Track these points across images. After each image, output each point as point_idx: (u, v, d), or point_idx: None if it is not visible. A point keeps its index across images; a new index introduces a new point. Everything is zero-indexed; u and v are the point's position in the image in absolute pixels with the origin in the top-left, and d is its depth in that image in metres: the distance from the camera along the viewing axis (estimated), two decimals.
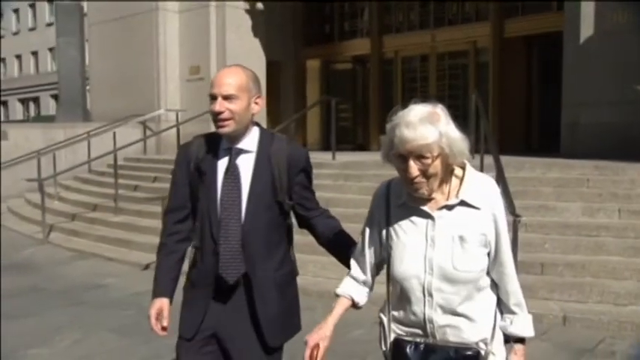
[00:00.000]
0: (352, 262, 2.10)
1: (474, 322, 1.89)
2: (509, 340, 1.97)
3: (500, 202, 1.90)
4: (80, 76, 13.84)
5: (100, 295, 5.96)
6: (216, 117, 2.16)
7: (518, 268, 4.89)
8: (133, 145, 11.22)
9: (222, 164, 2.25)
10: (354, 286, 2.07)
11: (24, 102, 45.41)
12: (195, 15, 13.00)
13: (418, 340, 1.91)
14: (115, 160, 9.55)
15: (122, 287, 6.23)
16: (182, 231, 2.33)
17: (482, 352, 1.88)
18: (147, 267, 6.90)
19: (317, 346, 1.94)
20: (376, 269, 2.06)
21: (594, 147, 8.01)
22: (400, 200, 1.93)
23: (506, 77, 12.18)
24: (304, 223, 2.42)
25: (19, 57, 46.12)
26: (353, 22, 15.13)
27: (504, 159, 6.25)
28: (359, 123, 15.01)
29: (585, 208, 6.32)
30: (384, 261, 2.01)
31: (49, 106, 41.95)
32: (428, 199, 1.88)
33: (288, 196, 2.30)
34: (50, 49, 42.16)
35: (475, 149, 7.94)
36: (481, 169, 6.69)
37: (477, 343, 1.89)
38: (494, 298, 1.95)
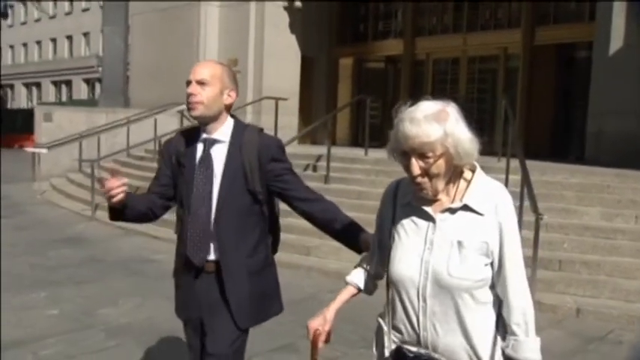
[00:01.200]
0: (370, 251, 2.10)
1: (470, 338, 1.78)
2: None
3: (509, 211, 1.78)
4: (123, 64, 14.49)
5: (152, 268, 6.51)
6: (188, 99, 2.28)
7: (538, 263, 5.42)
8: (168, 131, 11.85)
9: (198, 155, 2.35)
10: (363, 275, 2.07)
11: (57, 84, 46.36)
12: (236, 10, 13.55)
13: (416, 350, 1.83)
14: (160, 144, 10.08)
15: (170, 262, 6.75)
16: (160, 192, 2.43)
17: None
18: None
19: (318, 331, 1.97)
20: (384, 265, 2.01)
21: (617, 155, 8.33)
22: (405, 199, 1.88)
23: (535, 84, 12.49)
24: (298, 210, 2.44)
25: (54, 40, 47.02)
26: (387, 23, 15.48)
27: (529, 163, 6.54)
28: (388, 122, 15.31)
29: (604, 212, 6.71)
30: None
31: (80, 90, 42.85)
32: (433, 200, 1.81)
33: (260, 184, 2.35)
34: (85, 34, 43.02)
35: (502, 152, 8.37)
36: (507, 172, 7.10)
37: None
38: (494, 315, 1.82)
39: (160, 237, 8.00)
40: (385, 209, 1.96)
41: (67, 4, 44.94)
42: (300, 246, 6.82)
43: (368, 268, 2.06)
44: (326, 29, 15.48)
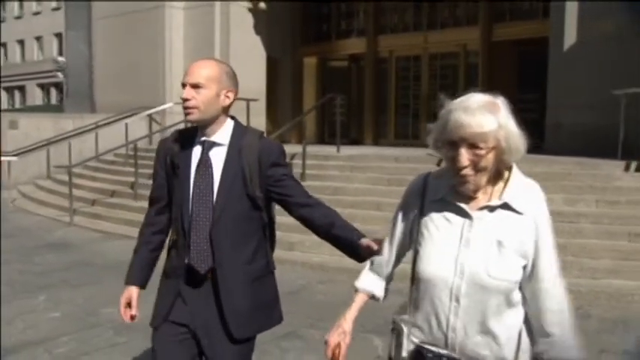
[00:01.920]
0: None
1: (499, 339, 1.74)
2: None
3: (545, 211, 1.76)
4: (88, 69, 14.45)
5: None
6: (183, 104, 2.20)
7: None
8: (137, 136, 11.96)
9: (196, 157, 2.27)
10: (373, 280, 2.00)
11: (9, 90, 45.21)
12: (201, 12, 13.68)
13: (439, 350, 1.76)
14: (135, 148, 10.18)
15: (159, 263, 6.95)
16: (159, 223, 2.38)
17: None
18: None
19: (338, 344, 1.92)
20: (398, 262, 2.01)
21: (575, 146, 8.85)
22: (438, 195, 1.82)
23: (494, 79, 13.03)
24: (296, 215, 2.35)
25: (4, 45, 45.79)
26: (349, 22, 15.90)
27: None
28: (353, 118, 15.77)
29: (567, 198, 7.20)
30: (402, 255, 1.98)
31: (34, 96, 41.84)
32: (469, 198, 1.76)
33: (260, 189, 2.28)
34: (37, 38, 42.00)
35: None
36: None
37: None
38: (522, 318, 1.78)
39: None
40: (409, 206, 1.90)
41: (16, 6, 43.83)
42: (284, 242, 7.07)
43: (379, 272, 2.00)
44: (289, 29, 15.79)
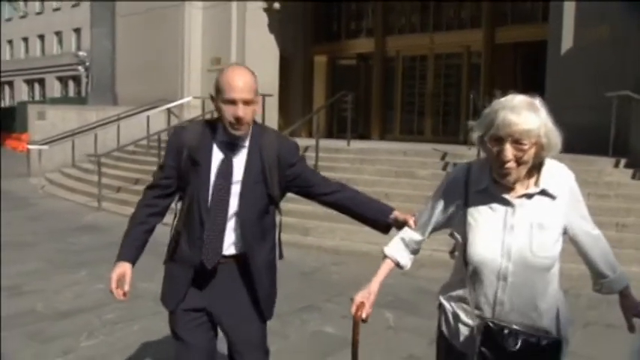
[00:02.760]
0: (407, 231, 2.22)
1: (539, 308, 1.96)
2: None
3: (576, 187, 2.00)
4: (111, 64, 15.12)
5: None
6: (234, 120, 2.24)
7: None
8: (156, 127, 12.68)
9: (217, 156, 2.33)
10: (401, 249, 2.18)
11: (29, 83, 45.82)
12: (218, 11, 14.31)
13: (501, 323, 1.92)
14: (159, 139, 10.81)
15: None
16: (158, 206, 2.45)
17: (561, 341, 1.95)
18: None
19: (362, 303, 2.06)
20: (424, 239, 2.21)
21: (572, 144, 9.41)
22: (481, 186, 1.98)
23: (496, 79, 13.68)
24: (323, 202, 2.53)
25: (25, 39, 46.53)
26: (358, 23, 16.56)
27: None
28: (361, 115, 16.37)
29: None
30: (431, 233, 2.19)
31: (53, 88, 42.57)
32: (509, 187, 1.94)
33: (279, 187, 2.41)
34: (56, 33, 42.85)
35: (472, 141, 9.43)
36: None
37: (545, 330, 1.96)
38: (558, 287, 2.03)
39: (168, 224, 8.78)
40: (452, 194, 2.07)
41: (37, 4, 44.51)
42: (300, 227, 7.71)
43: (408, 243, 2.19)
44: (301, 29, 16.42)
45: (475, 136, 1.93)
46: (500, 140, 1.83)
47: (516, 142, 1.81)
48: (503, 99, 1.87)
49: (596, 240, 2.06)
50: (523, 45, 13.46)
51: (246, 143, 2.35)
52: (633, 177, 7.93)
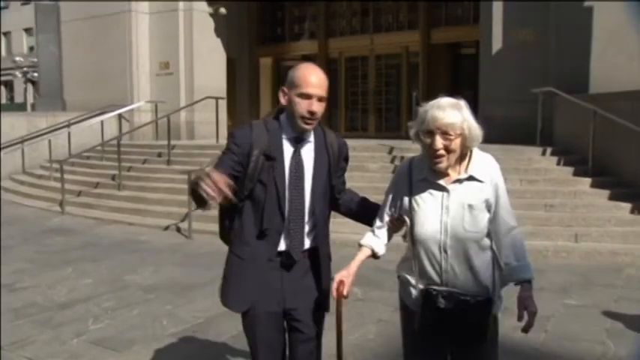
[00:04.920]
0: (376, 223, 2.46)
1: (478, 274, 2.27)
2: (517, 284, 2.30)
3: (500, 175, 2.31)
4: (58, 70, 15.17)
5: (147, 246, 7.80)
6: (307, 114, 2.32)
7: None
8: (107, 132, 13.25)
9: (288, 151, 2.41)
10: (374, 239, 2.44)
11: None
12: (165, 17, 14.64)
13: (440, 288, 2.25)
14: (119, 144, 11.13)
15: (159, 241, 8.10)
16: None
17: (490, 299, 2.26)
18: (167, 228, 8.79)
19: (342, 282, 2.31)
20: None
21: (503, 135, 10.33)
22: (421, 175, 2.31)
23: (433, 77, 14.67)
24: (335, 204, 2.65)
25: None
26: (301, 26, 17.20)
27: None
28: None
29: None
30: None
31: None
32: (444, 175, 2.27)
33: (336, 178, 2.56)
34: (26, 30, 40.08)
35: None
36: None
37: (483, 290, 2.27)
38: (492, 255, 2.31)
39: (134, 223, 9.23)
40: (400, 184, 2.39)
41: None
42: None
43: (379, 234, 2.45)
44: (246, 32, 16.93)
45: (412, 132, 2.27)
46: (431, 133, 2.18)
47: (444, 133, 2.16)
48: (433, 101, 2.22)
49: (510, 230, 2.29)
50: (457, 45, 14.53)
51: (312, 138, 2.47)
52: (558, 163, 8.93)
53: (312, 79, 2.32)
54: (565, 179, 8.55)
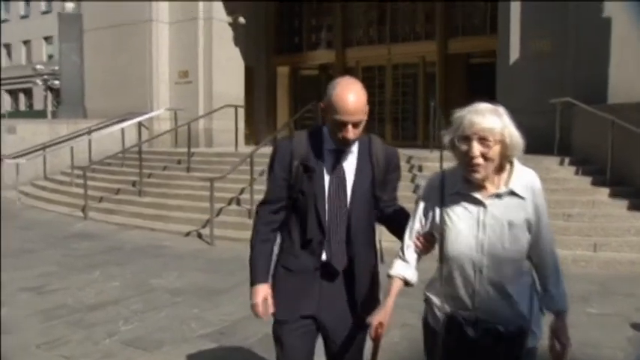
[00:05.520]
0: (404, 244, 2.27)
1: (514, 300, 2.08)
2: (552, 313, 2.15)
3: (542, 193, 2.12)
4: (80, 78, 15.46)
5: (169, 251, 7.94)
6: (342, 137, 2.29)
7: None
8: (127, 139, 13.35)
9: (328, 163, 2.38)
10: (404, 266, 2.24)
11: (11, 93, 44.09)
12: (185, 26, 14.87)
13: (467, 313, 2.07)
14: (140, 150, 11.29)
15: (181, 247, 8.24)
16: (276, 221, 2.45)
17: (525, 329, 2.05)
18: (188, 234, 8.93)
19: (380, 324, 2.13)
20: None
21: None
22: (455, 189, 2.14)
23: (450, 86, 14.78)
24: (379, 217, 2.55)
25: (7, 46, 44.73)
26: (319, 35, 17.41)
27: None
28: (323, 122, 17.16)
29: None
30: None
31: (3, 102, 41.23)
32: (480, 187, 2.09)
33: (382, 189, 2.46)
34: (46, 38, 40.68)
35: (433, 145, 10.36)
36: (440, 160, 9.05)
37: (519, 318, 2.07)
38: (531, 281, 2.15)
39: (156, 229, 9.37)
40: (431, 198, 2.22)
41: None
42: None
43: (408, 259, 2.25)
44: (264, 41, 17.13)
45: (446, 139, 2.10)
46: (467, 139, 2.01)
47: (482, 139, 2.00)
48: (469, 106, 2.07)
49: (552, 254, 2.17)
50: (474, 55, 14.63)
51: (355, 149, 2.40)
52: (576, 173, 8.98)
53: (348, 105, 2.24)
54: (583, 189, 8.59)
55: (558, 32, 10.58)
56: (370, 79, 16.32)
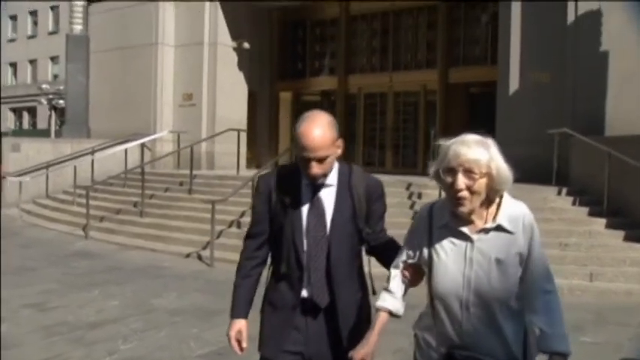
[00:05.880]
0: (390, 275, 2.23)
1: (506, 340, 1.99)
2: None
3: (534, 227, 2.02)
4: (85, 98, 15.68)
5: (169, 272, 8.01)
6: (310, 174, 2.26)
7: None
8: (130, 160, 13.51)
9: (306, 197, 2.34)
10: (389, 298, 2.18)
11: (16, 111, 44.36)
12: (190, 50, 15.13)
13: (464, 354, 2.00)
14: (142, 171, 11.42)
15: (181, 268, 8.31)
16: (259, 257, 2.46)
17: None
18: (188, 255, 9.00)
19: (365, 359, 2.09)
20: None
21: (519, 175, 10.54)
22: (442, 222, 2.06)
23: (450, 115, 14.98)
24: (370, 248, 2.51)
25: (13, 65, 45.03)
26: (322, 62, 17.68)
27: None
28: None
29: None
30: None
31: (7, 120, 41.62)
32: (468, 222, 2.02)
33: (366, 222, 2.40)
34: (52, 58, 40.95)
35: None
36: (440, 189, 9.13)
37: (509, 358, 1.99)
38: (524, 321, 2.04)
39: (157, 250, 9.45)
40: (419, 231, 2.16)
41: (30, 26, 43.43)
42: None
43: (394, 291, 2.19)
44: (268, 67, 17.38)
45: (432, 171, 2.04)
46: (452, 171, 1.94)
47: (467, 171, 1.92)
48: (456, 137, 1.99)
49: (544, 292, 2.04)
50: (474, 84, 14.86)
51: (334, 181, 2.36)
52: (573, 203, 9.08)
53: (309, 141, 2.19)
54: (580, 219, 8.67)
55: (557, 64, 10.77)
56: (372, 106, 16.54)
